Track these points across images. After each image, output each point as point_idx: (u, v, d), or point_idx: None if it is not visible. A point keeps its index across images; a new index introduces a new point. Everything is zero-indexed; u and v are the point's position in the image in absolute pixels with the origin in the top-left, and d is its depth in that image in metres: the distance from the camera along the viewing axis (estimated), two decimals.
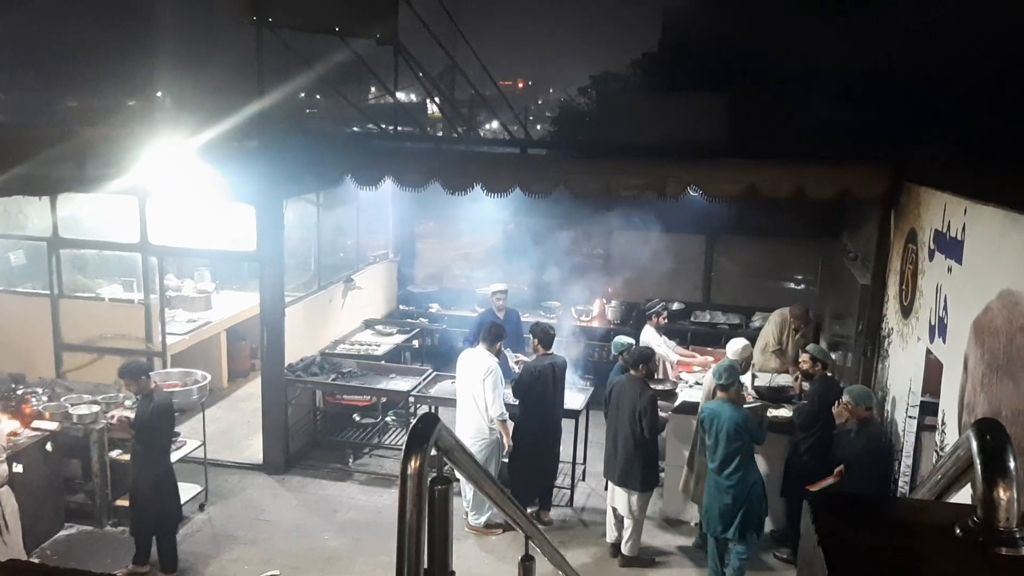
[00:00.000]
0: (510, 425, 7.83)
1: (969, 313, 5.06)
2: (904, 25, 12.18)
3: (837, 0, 13.72)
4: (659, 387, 8.63)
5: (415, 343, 10.81)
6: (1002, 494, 1.41)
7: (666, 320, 9.52)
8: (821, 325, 10.42)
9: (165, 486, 6.92)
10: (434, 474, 2.21)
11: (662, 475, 8.41)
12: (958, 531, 1.44)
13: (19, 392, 7.91)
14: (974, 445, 1.50)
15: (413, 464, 2.01)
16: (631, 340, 8.40)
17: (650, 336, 9.17)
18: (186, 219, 9.24)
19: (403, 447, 2.05)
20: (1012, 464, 1.44)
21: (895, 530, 1.52)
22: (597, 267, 11.73)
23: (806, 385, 7.75)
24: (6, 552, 6.29)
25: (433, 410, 8.84)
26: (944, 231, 5.91)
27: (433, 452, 2.15)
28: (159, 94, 23.41)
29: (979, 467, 1.46)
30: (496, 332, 7.87)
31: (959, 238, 5.53)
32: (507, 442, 7.84)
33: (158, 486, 6.83)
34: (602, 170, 8.10)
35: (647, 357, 7.50)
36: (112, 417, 7.39)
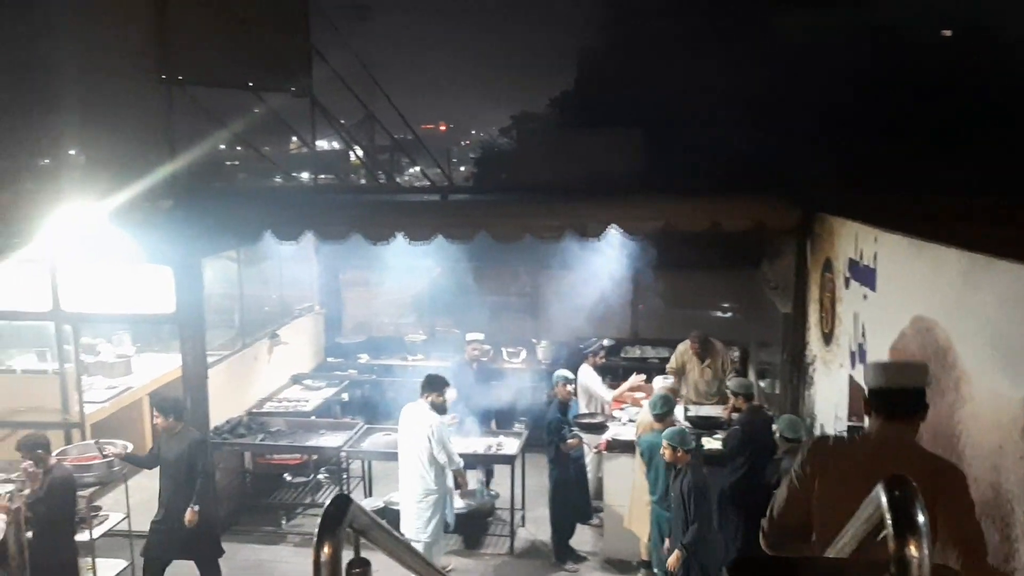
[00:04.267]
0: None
1: (886, 339, 5.15)
2: (808, 62, 12.67)
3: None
4: (589, 420, 8.66)
5: (345, 396, 10.59)
6: (913, 552, 1.40)
7: (603, 359, 9.54)
8: (748, 354, 10.56)
9: (66, 571, 6.48)
10: (351, 556, 2.13)
11: (601, 515, 8.37)
12: None
13: None
14: (883, 501, 1.50)
15: (326, 551, 1.92)
16: (571, 374, 8.43)
17: (588, 375, 9.18)
18: (100, 283, 8.91)
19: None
20: (921, 519, 1.44)
21: None
22: (526, 308, 11.72)
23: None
24: None
25: (366, 464, 8.66)
26: (858, 259, 6.05)
27: (349, 532, 2.07)
28: (72, 152, 22.70)
29: (890, 524, 1.45)
30: (439, 381, 7.66)
31: (872, 266, 5.67)
32: (463, 482, 7.95)
33: (59, 570, 6.40)
34: (521, 214, 8.12)
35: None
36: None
